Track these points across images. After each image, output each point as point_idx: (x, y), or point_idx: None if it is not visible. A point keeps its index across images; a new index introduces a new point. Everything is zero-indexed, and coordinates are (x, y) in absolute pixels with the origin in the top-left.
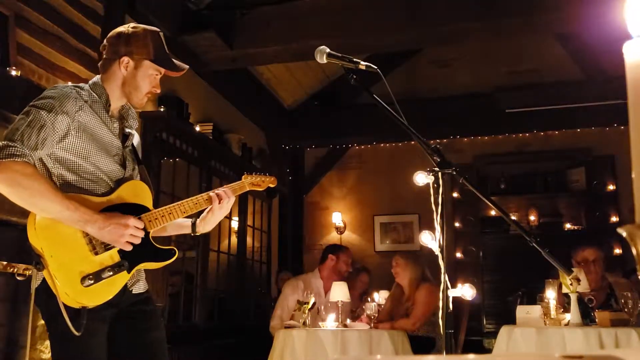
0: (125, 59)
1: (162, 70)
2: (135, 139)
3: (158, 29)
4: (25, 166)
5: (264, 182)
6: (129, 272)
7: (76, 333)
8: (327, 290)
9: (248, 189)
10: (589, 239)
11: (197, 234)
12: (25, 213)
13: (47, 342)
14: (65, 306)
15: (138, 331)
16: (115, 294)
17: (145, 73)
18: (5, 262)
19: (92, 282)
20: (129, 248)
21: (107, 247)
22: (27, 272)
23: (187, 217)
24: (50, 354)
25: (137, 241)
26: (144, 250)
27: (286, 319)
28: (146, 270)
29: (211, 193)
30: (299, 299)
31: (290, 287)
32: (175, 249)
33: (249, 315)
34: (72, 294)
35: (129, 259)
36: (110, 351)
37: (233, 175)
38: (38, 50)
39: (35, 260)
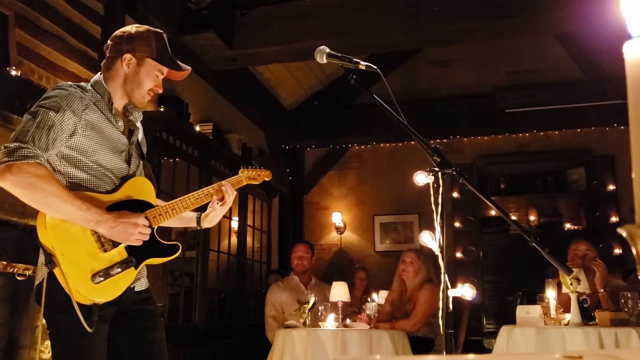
0: (128, 56)
1: (165, 70)
2: (140, 134)
3: (162, 31)
4: (38, 168)
5: (259, 175)
6: (136, 268)
7: (89, 330)
8: (304, 283)
9: (245, 183)
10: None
11: (201, 227)
12: (25, 213)
13: (48, 342)
14: (77, 303)
15: (138, 331)
16: (124, 290)
17: (147, 71)
18: (5, 262)
19: (102, 279)
20: (138, 244)
21: (115, 243)
22: (27, 272)
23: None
24: (50, 354)
25: (146, 238)
26: (150, 246)
27: (281, 320)
28: (147, 269)
29: (211, 189)
30: (299, 299)
31: (272, 291)
32: (179, 243)
33: (249, 315)
34: (83, 291)
35: (136, 255)
36: (110, 350)
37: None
38: (38, 50)
39: (47, 259)
